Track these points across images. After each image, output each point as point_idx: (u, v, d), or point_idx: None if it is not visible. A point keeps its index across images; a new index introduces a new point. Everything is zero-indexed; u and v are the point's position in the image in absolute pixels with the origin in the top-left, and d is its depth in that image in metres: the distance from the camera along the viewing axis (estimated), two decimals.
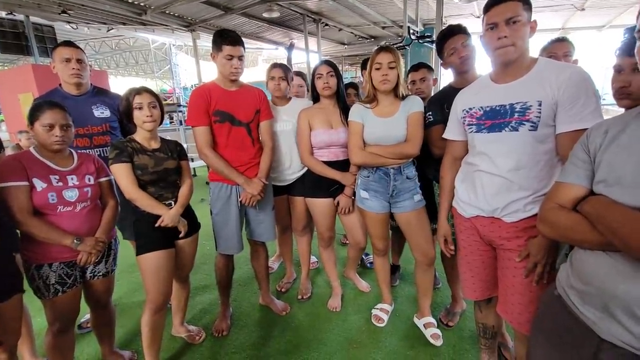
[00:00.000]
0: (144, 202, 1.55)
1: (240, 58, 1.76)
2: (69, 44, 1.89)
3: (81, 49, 1.94)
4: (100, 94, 2.03)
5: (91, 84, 2.02)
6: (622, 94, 1.12)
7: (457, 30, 1.64)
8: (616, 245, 0.71)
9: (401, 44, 5.33)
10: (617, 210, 0.72)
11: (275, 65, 2.10)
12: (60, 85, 1.95)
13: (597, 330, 0.77)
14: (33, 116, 1.39)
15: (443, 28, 1.76)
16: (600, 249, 0.76)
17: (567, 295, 0.86)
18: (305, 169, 2.08)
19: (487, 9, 1.15)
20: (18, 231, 1.39)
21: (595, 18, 8.45)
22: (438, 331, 1.87)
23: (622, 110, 1.18)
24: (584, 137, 0.86)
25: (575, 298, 0.83)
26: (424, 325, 1.93)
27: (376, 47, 1.69)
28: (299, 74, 2.62)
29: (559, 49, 1.84)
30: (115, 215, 1.60)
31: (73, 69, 1.85)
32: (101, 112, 1.96)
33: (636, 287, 0.70)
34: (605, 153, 0.79)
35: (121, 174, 1.52)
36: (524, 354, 1.32)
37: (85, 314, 2.06)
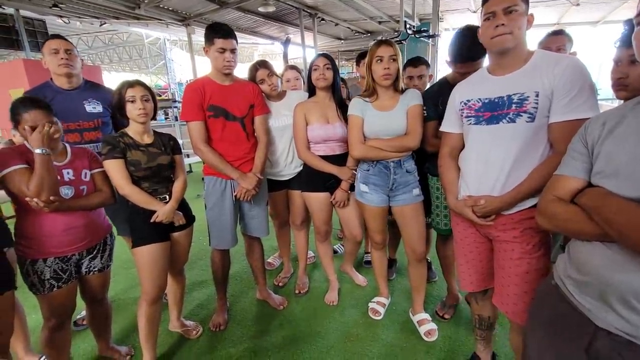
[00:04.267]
0: (138, 197, 1.53)
1: (233, 51, 1.73)
2: (56, 36, 1.86)
3: (70, 41, 1.90)
4: (92, 88, 1.99)
5: (84, 79, 1.98)
6: (620, 85, 1.13)
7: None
8: (612, 236, 0.72)
9: (398, 39, 5.30)
10: (613, 201, 0.73)
11: (256, 68, 2.01)
12: (51, 79, 1.91)
13: (593, 318, 0.78)
14: (15, 120, 1.35)
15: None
16: (597, 239, 0.77)
17: (564, 285, 0.87)
18: None
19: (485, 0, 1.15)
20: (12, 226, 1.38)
21: (590, 13, 8.47)
22: (433, 326, 1.89)
23: (619, 102, 1.20)
24: (582, 129, 0.87)
25: (572, 287, 0.84)
26: (417, 322, 1.94)
27: (374, 41, 1.68)
28: (293, 67, 2.59)
29: (552, 42, 1.85)
30: (104, 202, 1.53)
31: (62, 59, 1.80)
32: (93, 107, 1.92)
33: (630, 276, 0.71)
34: (603, 145, 0.80)
35: (114, 170, 1.50)
36: (519, 343, 1.33)
37: (81, 311, 2.05)
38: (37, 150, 1.30)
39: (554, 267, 0.94)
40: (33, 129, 1.33)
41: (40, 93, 1.80)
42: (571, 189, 0.85)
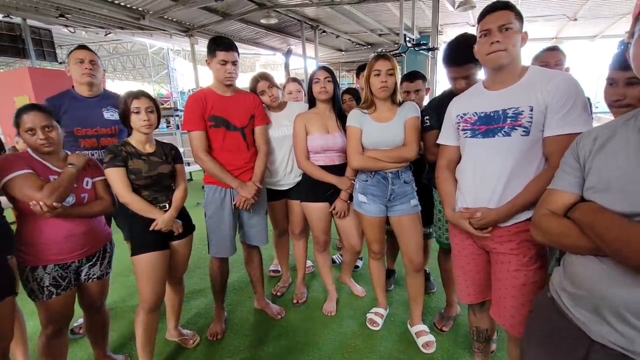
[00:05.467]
0: (138, 206, 1.55)
1: (234, 63, 1.78)
2: (83, 47, 1.97)
3: (94, 52, 2.00)
4: (111, 97, 2.07)
5: (103, 88, 2.06)
6: (619, 106, 1.13)
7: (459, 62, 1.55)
8: (604, 251, 0.73)
9: (398, 52, 5.37)
10: (605, 216, 0.74)
11: (257, 80, 2.04)
12: (73, 87, 2.00)
13: (587, 331, 0.79)
14: (16, 124, 1.39)
15: (460, 34, 1.59)
16: (590, 253, 0.78)
17: (559, 298, 0.88)
18: None
19: (481, 17, 1.20)
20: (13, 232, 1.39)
21: (588, 28, 8.62)
22: (430, 338, 1.88)
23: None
24: (574, 144, 0.88)
25: (567, 300, 0.85)
26: (415, 333, 1.93)
27: (373, 54, 1.72)
28: (295, 79, 2.64)
29: (551, 57, 1.88)
30: (104, 210, 1.55)
31: (85, 69, 1.90)
32: (111, 114, 2.00)
33: (624, 290, 0.72)
34: (594, 160, 0.81)
35: (115, 178, 1.52)
36: (517, 355, 1.33)
37: (78, 319, 2.05)
38: (72, 166, 1.42)
39: (550, 279, 0.95)
40: (31, 131, 1.36)
41: (58, 100, 1.91)
42: (564, 203, 0.86)
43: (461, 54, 1.48)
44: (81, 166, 1.46)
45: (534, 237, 0.93)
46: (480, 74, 1.51)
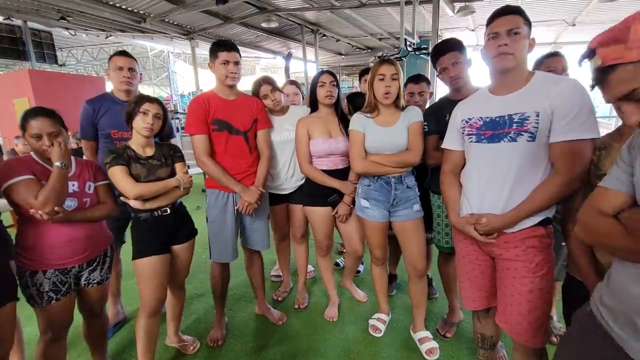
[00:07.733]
0: (154, 188, 1.54)
1: (236, 63, 1.78)
2: (122, 53, 2.00)
3: (134, 58, 2.03)
4: None
5: (139, 93, 2.07)
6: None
7: (448, 48, 1.66)
8: None
9: (398, 56, 5.39)
10: None
11: (260, 84, 2.03)
12: (112, 91, 2.04)
13: (626, 348, 0.73)
14: (22, 127, 1.38)
15: (438, 42, 1.78)
16: (631, 258, 0.73)
17: (599, 312, 0.83)
18: None
19: (490, 20, 1.20)
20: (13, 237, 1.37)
21: (586, 33, 8.67)
22: (434, 345, 1.86)
23: (616, 120, 1.20)
24: (632, 136, 0.82)
25: (607, 315, 0.80)
26: (418, 340, 1.92)
27: (377, 59, 1.72)
28: (293, 82, 2.63)
29: (557, 62, 1.88)
30: (106, 214, 1.54)
31: (124, 76, 1.95)
32: None
33: None
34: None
35: (119, 175, 1.50)
36: None
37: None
38: (57, 163, 1.34)
39: (593, 293, 0.89)
40: (37, 137, 1.35)
41: (98, 102, 1.95)
42: (617, 203, 0.80)
43: (444, 45, 1.69)
44: (63, 158, 1.35)
45: (576, 233, 0.88)
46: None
